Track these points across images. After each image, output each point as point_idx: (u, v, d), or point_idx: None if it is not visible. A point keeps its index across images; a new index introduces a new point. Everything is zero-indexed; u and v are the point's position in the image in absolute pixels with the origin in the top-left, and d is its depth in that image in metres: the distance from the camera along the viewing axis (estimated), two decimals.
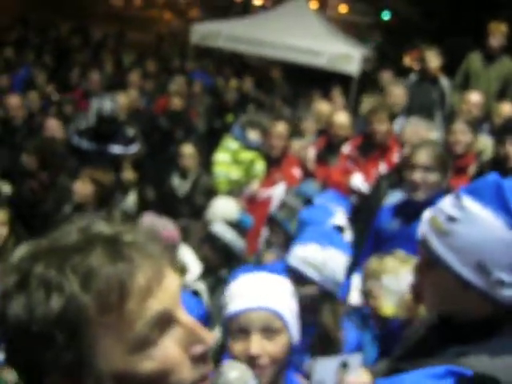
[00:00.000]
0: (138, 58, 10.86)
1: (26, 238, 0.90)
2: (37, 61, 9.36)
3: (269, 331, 1.60)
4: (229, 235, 3.76)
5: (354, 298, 2.88)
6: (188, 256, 3.69)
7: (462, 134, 4.38)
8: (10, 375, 2.47)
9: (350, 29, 12.30)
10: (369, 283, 2.63)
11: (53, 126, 5.82)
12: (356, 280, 2.93)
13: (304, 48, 9.78)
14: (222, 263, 3.69)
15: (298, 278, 2.74)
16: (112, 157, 5.63)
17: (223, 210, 4.30)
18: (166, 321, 0.87)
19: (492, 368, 1.37)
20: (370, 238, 3.55)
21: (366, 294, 2.65)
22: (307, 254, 2.75)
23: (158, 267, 0.87)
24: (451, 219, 1.45)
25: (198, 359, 0.89)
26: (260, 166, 5.17)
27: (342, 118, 5.21)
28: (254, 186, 5.09)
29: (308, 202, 3.86)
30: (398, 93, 5.71)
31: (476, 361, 1.38)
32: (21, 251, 0.87)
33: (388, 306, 2.43)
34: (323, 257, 2.75)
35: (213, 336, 0.93)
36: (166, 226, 3.57)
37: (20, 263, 0.85)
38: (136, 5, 23.48)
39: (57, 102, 7.28)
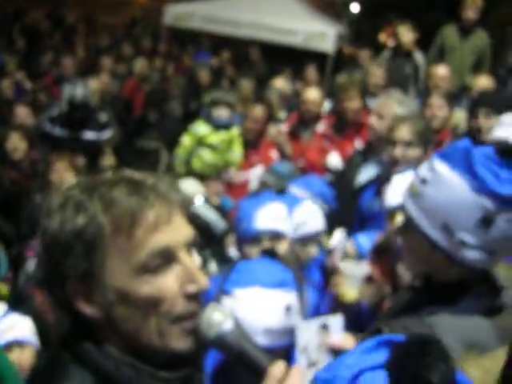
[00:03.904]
0: (111, 41, 10.69)
1: (6, 227, 1.05)
2: (7, 47, 9.15)
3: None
4: (211, 215, 3.73)
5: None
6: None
7: (438, 108, 4.37)
8: None
9: (326, 6, 12.18)
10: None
11: (23, 114, 5.73)
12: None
13: (279, 27, 9.71)
14: (205, 244, 3.66)
15: (274, 234, 2.77)
16: (85, 143, 5.55)
17: (190, 190, 4.24)
18: (167, 256, 1.03)
19: (451, 327, 1.42)
20: (356, 218, 3.54)
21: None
22: (274, 212, 2.79)
23: (169, 210, 1.04)
24: (423, 181, 1.50)
25: (191, 297, 1.04)
26: (238, 151, 5.14)
27: (313, 94, 5.18)
28: (232, 172, 5.05)
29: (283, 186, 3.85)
30: (378, 74, 5.68)
31: (438, 320, 1.44)
32: (71, 182, 1.10)
33: (349, 292, 2.44)
34: (290, 211, 2.79)
35: (207, 281, 1.07)
36: None
37: (65, 190, 1.07)
38: None
39: (32, 91, 7.15)
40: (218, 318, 1.10)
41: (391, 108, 3.76)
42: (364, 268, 2.47)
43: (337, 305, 2.52)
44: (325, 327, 1.97)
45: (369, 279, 2.43)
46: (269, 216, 2.84)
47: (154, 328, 1.03)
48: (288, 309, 1.81)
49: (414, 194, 1.52)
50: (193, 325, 1.06)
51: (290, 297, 1.83)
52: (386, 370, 0.80)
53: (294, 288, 1.89)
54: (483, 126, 3.82)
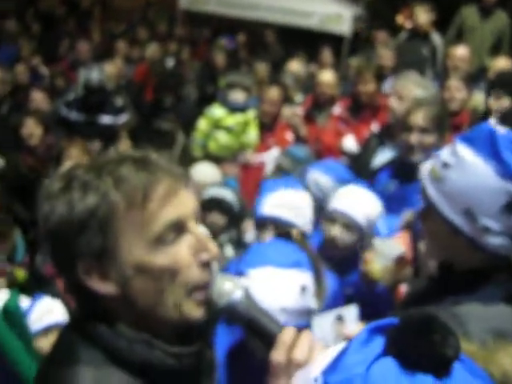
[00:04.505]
0: (126, 25, 10.66)
1: (23, 213, 1.03)
2: (23, 32, 9.17)
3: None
4: (229, 196, 3.74)
5: None
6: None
7: (457, 90, 4.31)
8: None
9: None
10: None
11: (38, 98, 5.75)
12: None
13: (294, 9, 9.61)
14: (230, 225, 3.68)
15: (281, 223, 2.77)
16: (102, 127, 5.56)
17: (205, 173, 4.24)
18: (179, 227, 1.06)
19: (478, 316, 1.41)
20: None
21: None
22: (284, 199, 2.77)
23: (175, 184, 1.07)
24: (445, 165, 1.47)
25: (204, 265, 1.07)
26: (253, 134, 5.12)
27: (327, 77, 5.16)
28: (248, 154, 5.04)
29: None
30: (385, 54, 5.64)
31: (465, 309, 1.42)
32: (67, 165, 1.07)
33: (378, 270, 2.41)
34: (300, 199, 2.77)
35: (217, 249, 1.10)
36: None
37: (66, 173, 1.06)
38: None
39: (49, 76, 7.17)
40: (229, 287, 1.13)
41: (411, 90, 3.72)
42: (398, 248, 2.42)
43: (364, 282, 2.51)
44: (340, 318, 1.97)
45: (400, 260, 2.39)
46: (274, 203, 2.82)
47: (171, 300, 1.06)
48: (303, 289, 1.80)
49: (435, 178, 1.49)
50: (206, 294, 1.09)
51: (304, 277, 1.83)
52: (392, 355, 0.79)
53: (309, 269, 1.89)
54: (493, 107, 3.77)
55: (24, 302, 2.61)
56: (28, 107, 5.68)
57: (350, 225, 2.65)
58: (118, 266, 1.04)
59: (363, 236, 2.69)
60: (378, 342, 0.81)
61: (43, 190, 1.07)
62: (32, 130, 4.94)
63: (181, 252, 1.06)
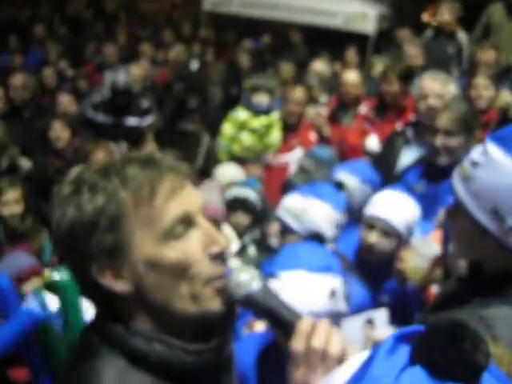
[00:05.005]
0: (152, 28, 10.75)
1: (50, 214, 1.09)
2: (50, 36, 9.31)
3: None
4: (253, 195, 3.74)
5: None
6: (226, 231, 3.61)
7: (484, 88, 4.27)
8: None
9: None
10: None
11: (65, 101, 5.82)
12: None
13: (318, 9, 9.58)
14: (254, 224, 3.69)
15: (284, 228, 2.80)
16: (128, 129, 5.62)
17: (229, 174, 4.25)
18: (187, 221, 1.07)
19: (509, 320, 1.38)
20: None
21: None
22: (289, 204, 2.81)
23: (181, 179, 1.09)
24: (474, 164, 1.45)
25: (216, 257, 1.08)
26: (276, 135, 5.11)
27: (352, 77, 5.13)
28: (270, 156, 5.04)
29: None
30: (414, 53, 5.55)
31: (496, 312, 1.40)
32: (76, 170, 1.11)
33: (414, 269, 2.37)
34: (303, 206, 2.77)
35: (227, 240, 1.12)
36: (210, 201, 3.51)
37: (74, 177, 1.09)
38: None
39: (71, 78, 7.26)
40: (246, 277, 1.13)
41: (434, 88, 3.69)
42: (435, 248, 2.37)
43: (398, 281, 2.48)
44: (370, 322, 1.95)
45: (438, 261, 2.34)
46: (283, 206, 2.84)
47: (187, 292, 1.07)
48: (333, 293, 1.80)
49: (464, 176, 1.48)
50: (223, 284, 1.10)
51: (335, 281, 1.83)
52: (420, 364, 0.77)
53: (340, 273, 1.88)
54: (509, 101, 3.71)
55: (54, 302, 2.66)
56: (55, 110, 5.75)
57: (388, 231, 2.61)
58: (130, 262, 1.05)
59: (401, 242, 2.64)
60: (404, 351, 0.79)
61: (55, 196, 1.09)
62: (59, 132, 5.01)
63: (190, 246, 1.07)
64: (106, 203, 1.03)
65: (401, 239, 2.64)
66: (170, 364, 1.07)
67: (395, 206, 2.66)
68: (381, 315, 2.00)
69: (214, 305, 1.09)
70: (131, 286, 1.06)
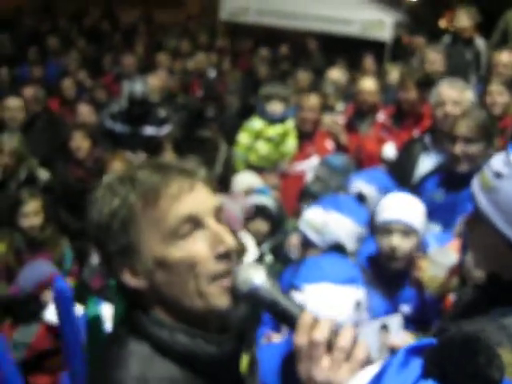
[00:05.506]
0: (169, 38, 10.82)
1: (71, 223, 1.11)
2: (68, 48, 9.43)
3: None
4: (270, 202, 3.76)
5: None
6: (246, 239, 3.62)
7: (498, 95, 4.26)
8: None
9: None
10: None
11: (85, 112, 5.89)
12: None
13: (335, 17, 9.60)
14: (273, 231, 3.70)
15: (305, 241, 2.80)
16: (145, 138, 5.66)
17: (248, 182, 4.26)
18: (194, 222, 1.12)
19: None
20: None
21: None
22: (310, 217, 2.81)
23: (191, 182, 1.14)
24: (498, 175, 1.43)
25: (222, 257, 1.13)
26: (291, 143, 5.11)
27: (369, 84, 5.11)
28: (286, 163, 5.04)
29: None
30: (434, 58, 5.49)
31: None
32: (106, 176, 1.21)
33: (431, 278, 2.37)
34: (324, 220, 2.77)
35: (234, 240, 1.15)
36: (228, 208, 3.54)
37: (104, 182, 1.18)
38: None
39: (89, 89, 7.33)
40: (252, 273, 1.15)
41: (464, 95, 3.68)
42: (452, 257, 2.36)
43: (416, 289, 2.47)
44: (384, 327, 1.95)
45: (455, 270, 2.32)
46: (304, 219, 2.85)
47: (194, 289, 1.12)
48: (358, 304, 1.79)
49: (486, 187, 1.45)
50: (229, 282, 1.14)
51: (359, 293, 1.82)
52: (433, 378, 0.76)
53: (363, 284, 1.88)
54: None
55: (78, 309, 2.68)
56: (75, 121, 5.81)
57: (407, 231, 2.59)
58: (142, 261, 1.13)
59: (420, 240, 2.64)
60: (417, 364, 0.78)
61: (89, 202, 1.18)
62: (80, 143, 5.06)
63: (196, 245, 1.12)
64: (119, 206, 1.12)
65: (419, 236, 2.63)
66: (194, 354, 1.13)
67: (406, 206, 2.66)
68: (395, 321, 2.00)
69: (221, 302, 1.13)
70: (146, 283, 1.14)
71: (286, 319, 1.13)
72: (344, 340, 1.05)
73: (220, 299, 1.13)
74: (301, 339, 1.07)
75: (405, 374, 0.78)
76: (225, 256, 1.13)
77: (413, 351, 0.81)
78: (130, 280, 1.14)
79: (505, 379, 0.76)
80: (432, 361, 0.77)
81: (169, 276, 1.12)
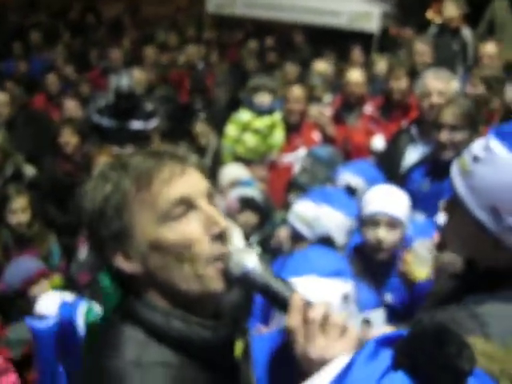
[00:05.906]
0: (155, 31, 10.75)
1: (58, 218, 1.10)
2: (51, 42, 9.36)
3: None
4: (257, 194, 3.76)
5: None
6: (233, 232, 3.61)
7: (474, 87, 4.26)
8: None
9: None
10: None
11: (71, 107, 5.85)
12: None
13: (322, 9, 9.57)
14: (261, 223, 3.69)
15: (294, 234, 2.80)
16: (133, 132, 5.63)
17: (234, 174, 4.25)
18: (187, 204, 1.13)
19: (501, 316, 1.36)
20: None
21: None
22: (300, 210, 2.81)
23: (183, 166, 1.16)
24: (475, 159, 1.42)
25: (216, 238, 1.13)
26: (279, 135, 5.09)
27: (356, 76, 5.10)
28: (274, 155, 5.03)
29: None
30: (422, 50, 5.46)
31: (487, 308, 1.37)
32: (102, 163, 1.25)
33: (418, 271, 2.38)
34: (315, 214, 2.77)
35: (227, 222, 1.16)
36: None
37: (96, 172, 1.19)
38: None
39: (74, 83, 7.28)
40: (244, 256, 1.16)
41: (450, 85, 3.69)
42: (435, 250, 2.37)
43: (404, 283, 2.48)
44: (367, 322, 1.95)
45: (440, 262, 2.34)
46: (294, 212, 2.84)
47: (191, 272, 1.12)
48: (345, 297, 1.79)
49: (463, 171, 1.44)
50: (223, 265, 1.14)
51: (346, 286, 1.82)
52: (403, 369, 0.75)
53: (350, 277, 1.88)
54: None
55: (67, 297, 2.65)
56: (62, 116, 5.77)
57: (393, 223, 2.60)
58: (136, 244, 1.13)
59: (405, 231, 2.67)
60: (386, 355, 0.78)
61: (80, 193, 1.20)
62: (68, 138, 5.02)
63: (190, 227, 1.13)
64: (112, 191, 1.13)
65: (404, 228, 2.66)
66: (190, 340, 1.13)
67: (392, 198, 2.67)
68: (377, 315, 2.00)
69: (217, 285, 1.14)
70: (140, 267, 1.14)
71: (278, 302, 1.14)
72: (338, 317, 1.07)
73: (216, 282, 1.13)
74: (293, 320, 1.09)
75: (373, 365, 0.77)
76: (219, 237, 1.14)
77: (383, 342, 0.80)
78: (124, 264, 1.14)
79: (475, 369, 0.75)
80: (402, 352, 0.76)
81: (164, 259, 1.12)
